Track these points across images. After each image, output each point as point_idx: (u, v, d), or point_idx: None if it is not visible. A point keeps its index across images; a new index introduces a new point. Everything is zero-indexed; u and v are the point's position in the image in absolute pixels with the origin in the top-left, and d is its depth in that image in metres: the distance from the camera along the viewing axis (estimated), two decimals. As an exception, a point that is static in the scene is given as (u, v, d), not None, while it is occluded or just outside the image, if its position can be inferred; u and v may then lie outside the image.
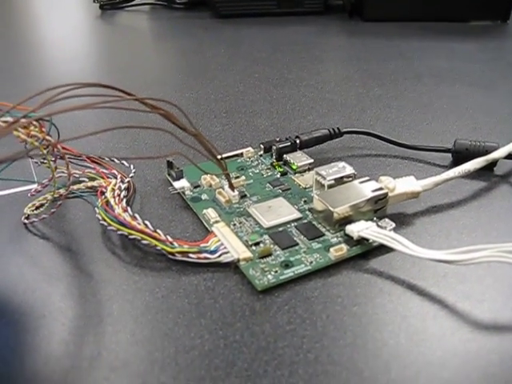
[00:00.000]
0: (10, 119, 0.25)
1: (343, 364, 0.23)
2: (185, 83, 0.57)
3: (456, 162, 0.38)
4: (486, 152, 0.37)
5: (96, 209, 0.32)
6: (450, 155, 0.39)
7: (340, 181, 0.32)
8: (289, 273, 0.28)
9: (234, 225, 0.32)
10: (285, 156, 0.38)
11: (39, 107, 0.24)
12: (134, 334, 0.25)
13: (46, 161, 0.31)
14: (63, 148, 0.37)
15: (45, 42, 0.78)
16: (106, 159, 0.38)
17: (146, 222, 0.30)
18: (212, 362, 0.24)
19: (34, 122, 0.26)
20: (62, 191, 0.34)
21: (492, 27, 0.77)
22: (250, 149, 0.39)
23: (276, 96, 0.53)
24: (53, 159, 0.30)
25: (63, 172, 0.35)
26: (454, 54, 0.65)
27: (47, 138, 0.27)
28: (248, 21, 0.82)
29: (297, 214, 0.32)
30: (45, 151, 0.28)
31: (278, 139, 0.39)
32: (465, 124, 0.46)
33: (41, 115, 0.25)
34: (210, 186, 0.35)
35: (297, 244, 0.30)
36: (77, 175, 0.36)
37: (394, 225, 0.31)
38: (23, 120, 0.24)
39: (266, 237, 0.30)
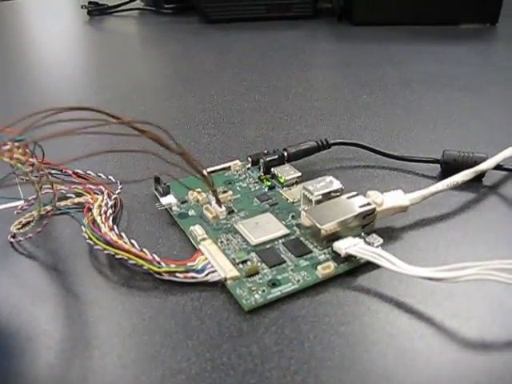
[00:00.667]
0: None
1: (331, 386, 0.23)
2: (173, 91, 0.57)
3: (445, 173, 0.38)
4: (475, 163, 0.37)
5: (82, 227, 0.32)
6: (438, 166, 0.39)
7: (327, 196, 0.32)
8: (276, 292, 0.28)
9: (222, 242, 0.31)
10: (272, 169, 0.37)
11: (22, 132, 0.23)
12: (121, 357, 0.25)
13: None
14: (48, 163, 0.36)
15: (32, 47, 0.77)
16: (93, 175, 0.38)
17: (133, 241, 0.30)
18: (199, 386, 0.24)
19: (16, 144, 0.26)
20: (48, 208, 0.34)
21: (481, 30, 0.77)
22: (237, 162, 0.39)
23: (264, 105, 0.52)
24: (37, 178, 0.30)
25: (50, 188, 0.34)
26: (444, 58, 0.65)
27: (30, 160, 0.27)
28: (237, 26, 0.82)
29: (284, 231, 0.32)
30: (27, 170, 0.27)
31: (265, 152, 0.39)
32: (454, 131, 0.46)
33: (23, 142, 0.25)
34: (198, 201, 0.35)
35: (284, 261, 0.30)
36: (63, 191, 0.36)
37: (381, 241, 0.31)
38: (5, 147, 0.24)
39: (253, 254, 0.30)
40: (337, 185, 0.33)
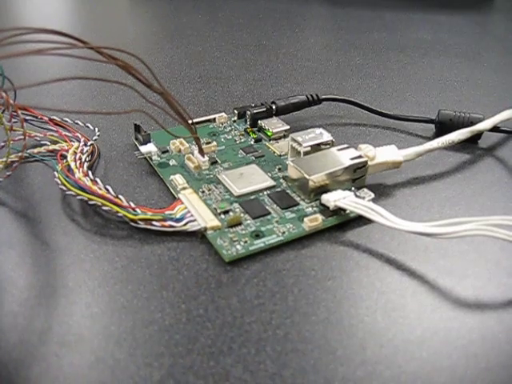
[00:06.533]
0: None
1: (315, 342, 0.22)
2: (159, 47, 0.55)
3: (439, 134, 0.36)
4: (471, 123, 0.35)
5: (56, 173, 0.30)
6: (433, 126, 0.38)
7: (317, 148, 0.30)
8: (259, 243, 0.26)
9: (203, 192, 0.29)
10: (260, 122, 0.35)
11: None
12: (90, 307, 0.23)
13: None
14: (24, 109, 0.34)
15: (16, 3, 0.74)
16: (70, 122, 0.36)
17: (108, 187, 0.28)
18: (172, 337, 0.22)
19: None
20: (20, 154, 0.32)
21: (479, 1, 0.75)
22: (223, 114, 0.37)
23: (253, 62, 0.50)
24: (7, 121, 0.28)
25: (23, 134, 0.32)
26: (440, 27, 0.63)
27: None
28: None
29: (270, 182, 0.30)
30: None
31: (253, 105, 0.37)
32: (449, 96, 0.44)
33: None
34: (179, 151, 0.33)
35: (269, 213, 0.28)
36: (38, 138, 0.34)
37: (372, 195, 0.29)
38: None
39: (236, 205, 0.28)
40: (327, 137, 0.31)
